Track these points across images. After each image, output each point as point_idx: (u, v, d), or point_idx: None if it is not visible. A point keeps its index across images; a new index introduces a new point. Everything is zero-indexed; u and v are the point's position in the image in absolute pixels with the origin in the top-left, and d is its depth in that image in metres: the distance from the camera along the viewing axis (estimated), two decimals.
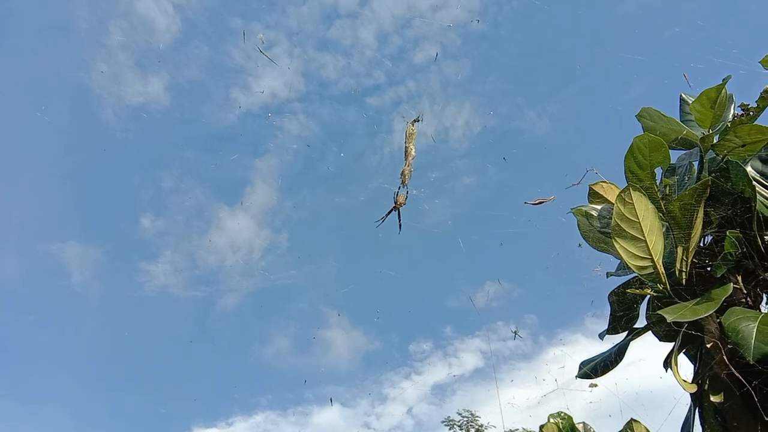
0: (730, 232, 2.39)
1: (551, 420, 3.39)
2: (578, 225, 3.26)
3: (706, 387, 2.53)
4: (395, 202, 2.72)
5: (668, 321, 2.28)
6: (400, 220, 2.75)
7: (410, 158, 2.62)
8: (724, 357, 2.30)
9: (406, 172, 2.64)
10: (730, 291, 2.32)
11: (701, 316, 2.28)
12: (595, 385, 3.58)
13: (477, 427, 23.99)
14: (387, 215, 2.73)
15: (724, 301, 2.33)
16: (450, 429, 24.13)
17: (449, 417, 24.34)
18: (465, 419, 24.20)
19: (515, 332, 3.73)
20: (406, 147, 2.63)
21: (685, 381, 2.44)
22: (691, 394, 2.54)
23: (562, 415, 3.44)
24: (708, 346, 2.47)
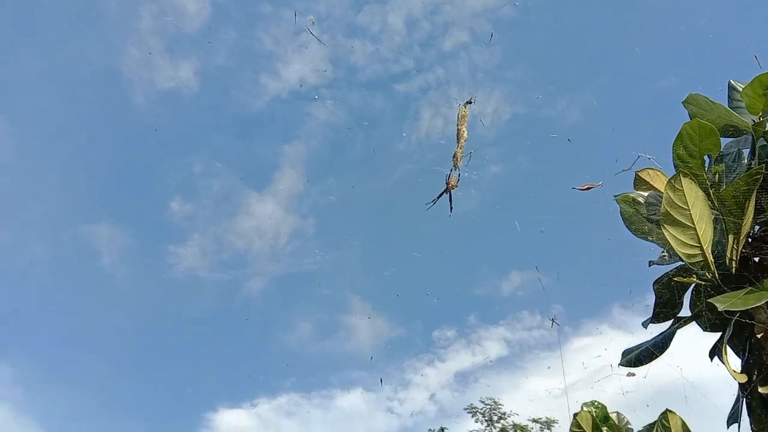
0: None
1: (585, 409, 3.38)
2: (621, 212, 3.22)
3: (754, 378, 2.49)
4: (447, 184, 2.71)
5: (720, 310, 2.25)
6: (451, 203, 2.74)
7: (462, 141, 2.61)
8: None
9: (459, 154, 2.62)
10: None
11: (753, 306, 2.24)
12: (633, 374, 3.55)
13: (500, 414, 23.96)
14: (438, 197, 2.72)
15: None
16: (473, 416, 24.14)
17: (472, 404, 24.33)
18: (488, 407, 24.17)
19: (553, 320, 3.70)
20: (458, 129, 2.62)
21: (735, 371, 2.41)
22: (739, 384, 2.51)
23: (596, 404, 3.42)
24: (758, 336, 2.43)
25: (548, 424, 23.43)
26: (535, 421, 23.58)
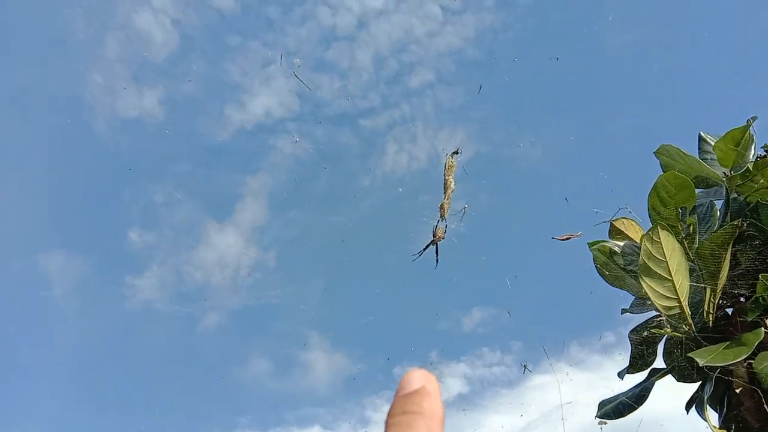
0: (763, 276, 2.36)
1: None
2: (594, 260, 3.22)
3: None
4: (434, 236, 2.66)
5: (701, 365, 2.23)
6: (437, 255, 2.67)
7: (449, 191, 2.56)
8: (765, 405, 2.25)
9: (445, 205, 2.57)
10: (762, 336, 2.28)
11: (733, 362, 2.24)
12: (605, 422, 3.53)
13: None
14: (425, 249, 2.66)
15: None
16: None
17: None
18: None
19: (525, 366, 3.67)
20: (445, 180, 2.57)
21: (715, 427, 2.39)
22: None
23: None
24: (737, 391, 2.42)
25: None
26: None
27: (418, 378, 0.57)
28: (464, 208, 2.58)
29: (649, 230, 2.54)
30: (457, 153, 2.56)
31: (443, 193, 2.55)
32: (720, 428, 2.48)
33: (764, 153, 2.92)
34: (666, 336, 2.90)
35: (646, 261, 2.53)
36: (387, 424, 0.54)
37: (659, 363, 2.95)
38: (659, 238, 2.51)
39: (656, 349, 2.91)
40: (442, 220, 2.62)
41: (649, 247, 2.52)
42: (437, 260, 2.65)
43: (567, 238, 3.00)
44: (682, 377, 2.79)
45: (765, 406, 2.25)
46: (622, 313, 3.41)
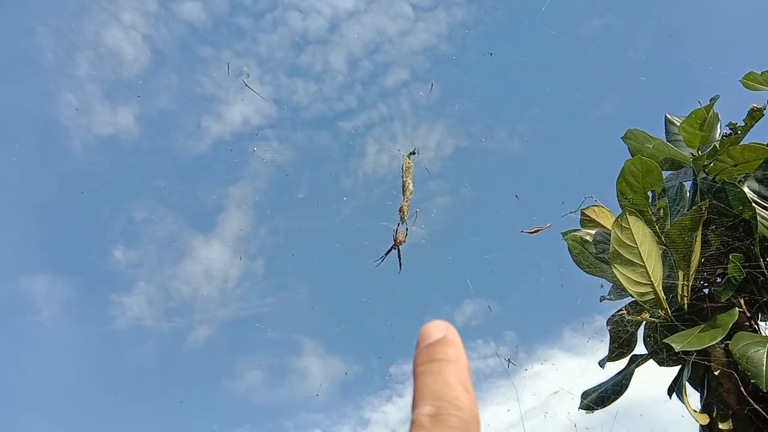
0: (733, 256, 2.34)
1: None
2: (569, 249, 3.19)
3: (714, 415, 2.45)
4: (395, 240, 2.57)
5: (676, 350, 2.21)
6: (400, 259, 2.59)
7: (408, 193, 2.49)
8: (741, 387, 2.23)
9: (405, 208, 2.49)
10: (737, 317, 2.26)
11: (709, 345, 2.21)
12: (591, 411, 3.51)
13: None
14: (386, 254, 2.59)
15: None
16: None
17: None
18: None
19: (509, 360, 3.64)
20: (403, 181, 2.50)
21: (695, 411, 2.37)
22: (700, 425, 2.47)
23: None
24: (716, 373, 2.40)
25: None
26: None
27: (438, 328, 0.56)
28: (416, 211, 2.52)
29: (617, 217, 2.51)
30: (414, 153, 2.51)
31: (402, 195, 2.48)
32: (702, 411, 2.45)
33: (730, 131, 2.91)
34: (644, 322, 2.88)
35: (617, 248, 2.50)
36: (415, 372, 0.53)
37: (641, 349, 2.93)
38: (628, 225, 2.48)
39: (635, 336, 2.89)
40: (402, 224, 2.55)
41: (619, 234, 2.49)
42: (400, 264, 2.59)
43: (537, 230, 2.97)
44: (662, 362, 2.77)
45: (741, 387, 2.23)
46: (601, 301, 3.39)
